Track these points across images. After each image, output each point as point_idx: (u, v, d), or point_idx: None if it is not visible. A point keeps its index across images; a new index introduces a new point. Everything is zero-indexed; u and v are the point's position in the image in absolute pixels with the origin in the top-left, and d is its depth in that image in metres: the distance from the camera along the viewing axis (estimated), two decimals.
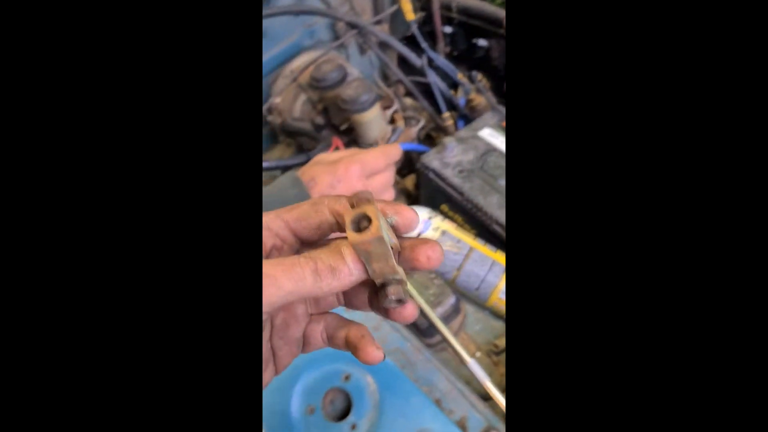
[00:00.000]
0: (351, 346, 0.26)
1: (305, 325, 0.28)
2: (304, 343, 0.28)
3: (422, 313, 0.48)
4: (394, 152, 0.47)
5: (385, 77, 0.90)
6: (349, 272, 0.22)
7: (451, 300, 0.50)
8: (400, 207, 0.24)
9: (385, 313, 0.25)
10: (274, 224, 0.25)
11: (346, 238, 0.23)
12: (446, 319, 0.49)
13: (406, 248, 0.24)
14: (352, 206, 0.22)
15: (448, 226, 0.55)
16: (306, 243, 0.26)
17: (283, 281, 0.21)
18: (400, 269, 0.24)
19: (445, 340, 0.46)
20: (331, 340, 0.27)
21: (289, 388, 0.42)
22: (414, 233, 0.55)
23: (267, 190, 0.45)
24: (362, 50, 0.86)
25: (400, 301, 0.24)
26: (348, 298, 0.28)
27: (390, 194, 0.48)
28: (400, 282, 0.24)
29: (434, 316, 0.47)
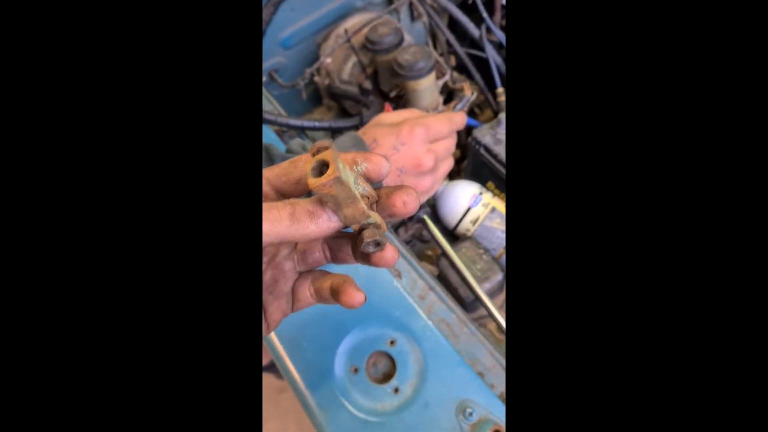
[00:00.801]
0: (334, 292, 0.27)
1: (293, 282, 0.29)
2: (294, 300, 0.29)
3: (468, 286, 0.47)
4: (459, 120, 0.46)
5: (434, 47, 0.88)
6: (328, 218, 0.22)
7: (498, 277, 0.49)
8: (369, 154, 0.24)
9: (367, 259, 0.26)
10: None
11: None
12: (491, 295, 0.49)
13: (382, 196, 0.24)
14: (314, 156, 0.22)
15: (497, 203, 0.54)
16: (285, 195, 0.26)
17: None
18: (375, 214, 0.24)
19: (490, 315, 0.46)
20: (318, 293, 0.28)
21: (333, 348, 0.42)
22: (464, 207, 0.54)
23: None
24: (413, 17, 0.83)
25: (378, 245, 0.24)
26: (334, 252, 0.28)
27: (449, 163, 0.47)
28: (377, 226, 0.24)
29: (480, 291, 0.46)
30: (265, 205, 0.22)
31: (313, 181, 0.21)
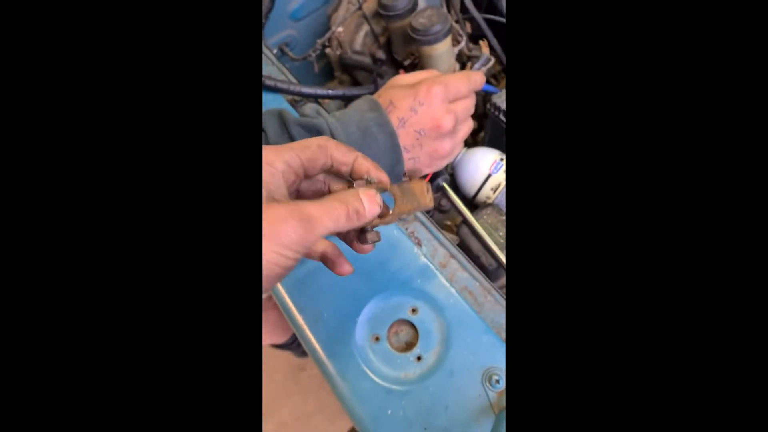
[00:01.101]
0: (328, 261, 0.34)
1: None
2: None
3: (491, 254, 0.46)
4: (478, 79, 0.44)
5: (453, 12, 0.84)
6: (365, 216, 0.28)
7: None
8: (381, 173, 0.31)
9: (347, 241, 0.34)
10: (295, 162, 0.29)
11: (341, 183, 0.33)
12: None
13: None
14: (409, 177, 0.33)
15: None
16: (307, 176, 0.31)
17: (325, 221, 0.26)
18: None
19: None
20: (308, 253, 0.34)
21: (353, 317, 0.41)
22: (484, 174, 0.52)
23: (342, 114, 0.42)
24: None
25: (375, 242, 0.33)
26: None
27: (469, 125, 0.45)
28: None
29: (504, 258, 0.45)
30: (325, 204, 0.27)
31: (424, 200, 0.32)
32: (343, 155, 0.30)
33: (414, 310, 0.41)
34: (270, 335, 1.01)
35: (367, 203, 0.28)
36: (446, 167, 0.56)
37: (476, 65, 0.57)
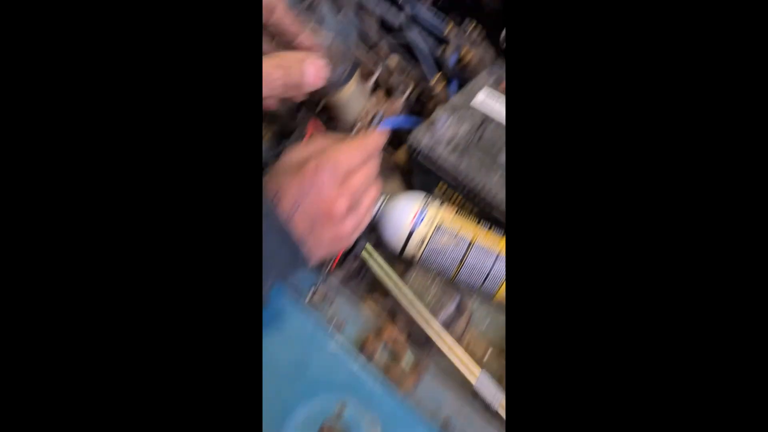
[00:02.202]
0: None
1: None
2: None
3: (418, 327, 0.43)
4: (374, 143, 0.40)
5: (366, 38, 0.80)
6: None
7: (455, 301, 0.44)
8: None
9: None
10: None
11: None
12: (449, 324, 0.44)
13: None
14: None
15: (444, 216, 0.48)
16: None
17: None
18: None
19: (451, 352, 0.41)
20: None
21: (279, 427, 0.38)
22: (407, 230, 0.48)
23: None
24: (338, 8, 0.76)
25: None
26: None
27: (374, 189, 0.41)
28: None
29: (435, 326, 0.42)
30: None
31: None
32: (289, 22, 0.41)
33: (341, 408, 0.38)
34: None
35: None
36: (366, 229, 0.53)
37: (374, 122, 0.53)
